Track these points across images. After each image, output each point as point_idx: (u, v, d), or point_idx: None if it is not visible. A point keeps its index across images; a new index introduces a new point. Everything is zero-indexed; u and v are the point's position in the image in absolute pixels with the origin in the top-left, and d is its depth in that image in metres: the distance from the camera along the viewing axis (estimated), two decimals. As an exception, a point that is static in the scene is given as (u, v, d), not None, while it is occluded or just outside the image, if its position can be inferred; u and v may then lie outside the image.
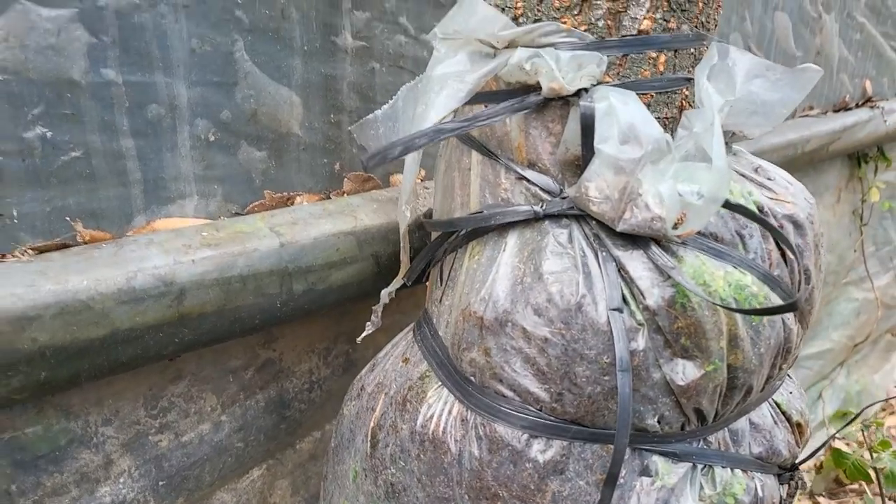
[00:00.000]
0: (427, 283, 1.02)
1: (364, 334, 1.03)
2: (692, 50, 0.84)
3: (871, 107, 2.49)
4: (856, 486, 2.31)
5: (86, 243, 0.88)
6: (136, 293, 0.83)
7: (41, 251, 0.84)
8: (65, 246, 0.86)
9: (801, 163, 2.17)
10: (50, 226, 0.87)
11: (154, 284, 0.84)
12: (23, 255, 0.83)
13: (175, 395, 1.01)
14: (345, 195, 1.15)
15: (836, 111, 2.45)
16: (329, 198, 1.13)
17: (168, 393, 1.01)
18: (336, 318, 1.19)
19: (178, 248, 0.88)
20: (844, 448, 2.40)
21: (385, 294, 0.99)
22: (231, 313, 0.92)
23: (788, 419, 0.92)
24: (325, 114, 1.10)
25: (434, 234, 0.98)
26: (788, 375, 0.99)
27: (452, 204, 0.92)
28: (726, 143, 0.91)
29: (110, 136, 0.89)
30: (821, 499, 2.36)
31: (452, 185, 0.92)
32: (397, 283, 0.99)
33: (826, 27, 2.26)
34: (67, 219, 0.87)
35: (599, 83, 0.79)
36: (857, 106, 2.53)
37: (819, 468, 2.40)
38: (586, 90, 0.78)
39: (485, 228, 0.85)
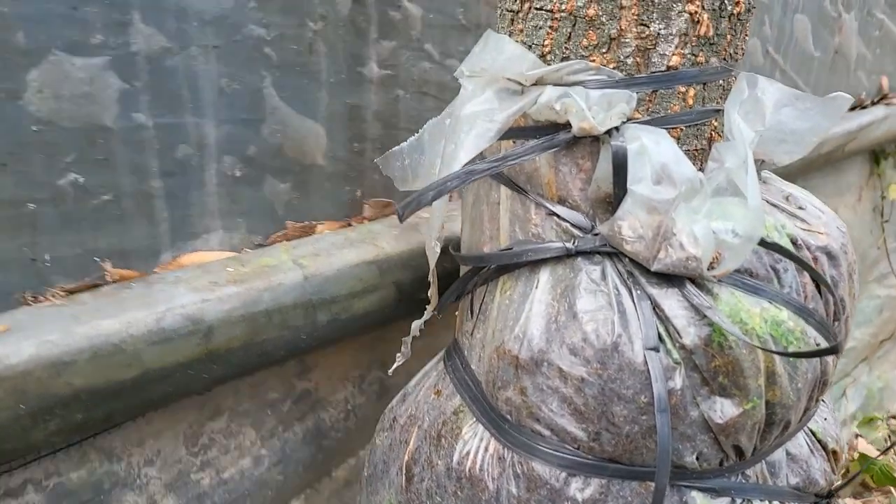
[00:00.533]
0: (457, 313, 1.02)
1: (395, 365, 1.03)
2: (720, 81, 0.83)
3: (887, 104, 2.47)
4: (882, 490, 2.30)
5: (115, 283, 0.89)
6: (166, 333, 0.84)
7: (73, 292, 0.85)
8: (95, 286, 0.87)
9: (818, 164, 2.16)
10: (81, 266, 0.88)
11: (183, 324, 0.85)
12: (55, 297, 0.84)
13: (215, 432, 1.02)
14: (365, 221, 1.15)
15: (851, 109, 2.43)
16: (350, 224, 1.13)
17: (208, 429, 1.01)
18: (368, 344, 1.19)
19: (205, 286, 0.88)
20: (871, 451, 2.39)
21: (416, 327, 0.99)
22: (258, 347, 0.93)
23: (824, 447, 0.92)
24: (348, 143, 1.10)
25: (463, 267, 0.98)
26: (822, 400, 0.99)
27: (482, 237, 0.92)
28: (756, 171, 0.90)
29: (140, 178, 0.89)
30: (847, 500, 2.35)
31: (481, 219, 0.92)
32: (428, 315, 0.99)
33: (845, 26, 2.24)
34: (97, 259, 0.88)
35: (629, 119, 0.79)
36: (873, 103, 2.50)
37: (845, 472, 2.39)
38: (617, 128, 0.77)
39: (516, 263, 0.85)
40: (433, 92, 1.19)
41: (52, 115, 0.81)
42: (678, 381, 0.76)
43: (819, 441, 0.92)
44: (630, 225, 0.76)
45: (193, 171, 0.94)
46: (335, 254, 1.00)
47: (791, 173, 2.01)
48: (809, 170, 2.12)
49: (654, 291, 0.77)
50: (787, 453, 0.88)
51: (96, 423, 0.84)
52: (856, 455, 2.41)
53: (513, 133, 0.82)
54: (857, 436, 2.64)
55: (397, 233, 1.10)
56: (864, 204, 2.63)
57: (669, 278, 0.77)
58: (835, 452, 0.93)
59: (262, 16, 0.95)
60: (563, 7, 0.79)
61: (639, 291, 0.78)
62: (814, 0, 2.03)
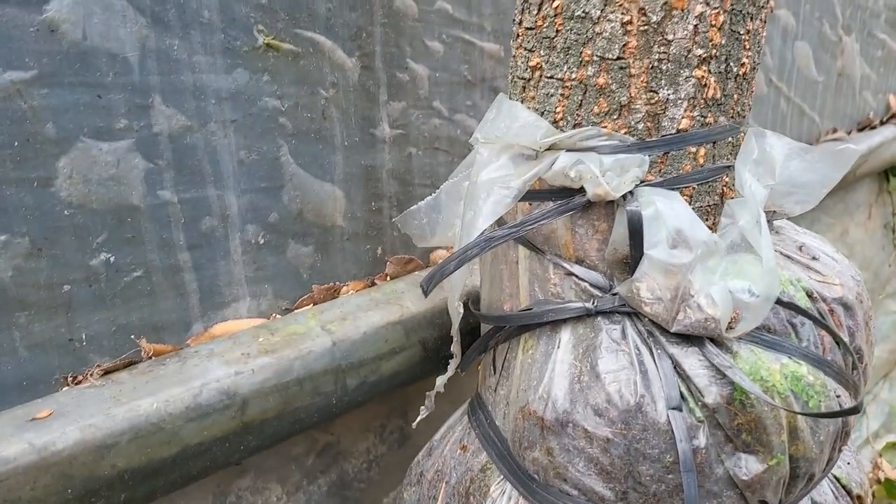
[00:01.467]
0: (479, 367, 1.04)
1: (419, 418, 1.05)
2: (730, 138, 0.85)
3: (897, 124, 2.48)
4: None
5: (151, 359, 0.91)
6: (203, 409, 0.86)
7: (110, 371, 0.88)
8: (132, 363, 0.89)
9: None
10: (116, 343, 0.90)
11: (218, 398, 0.87)
12: (94, 377, 0.86)
13: (242, 490, 1.04)
14: (388, 278, 1.18)
15: (860, 130, 2.44)
16: (374, 283, 1.16)
17: (235, 488, 1.03)
18: (387, 393, 1.21)
19: (237, 358, 0.91)
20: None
21: (440, 383, 1.00)
22: (291, 415, 0.95)
23: (849, 492, 0.93)
24: (366, 202, 1.13)
25: (484, 325, 1.00)
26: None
27: (501, 295, 0.94)
28: (768, 221, 0.92)
29: (168, 253, 0.92)
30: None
31: (500, 277, 0.94)
32: (451, 371, 1.01)
33: (847, 49, 2.26)
34: (133, 337, 0.91)
35: (643, 182, 0.81)
36: (882, 123, 2.52)
37: (872, 497, 2.37)
38: (631, 192, 0.79)
39: (537, 323, 0.87)
40: (444, 147, 1.22)
41: (82, 199, 0.84)
42: (702, 440, 0.77)
43: (843, 486, 0.93)
44: (648, 287, 0.78)
45: (218, 241, 0.97)
46: (361, 316, 1.02)
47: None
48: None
49: (675, 350, 0.79)
50: (813, 502, 0.89)
51: (138, 501, 0.85)
52: (881, 476, 2.38)
53: (530, 196, 0.84)
54: (879, 455, 2.62)
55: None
56: (874, 221, 2.64)
57: (689, 337, 0.79)
58: (859, 497, 0.93)
59: (276, 88, 0.98)
60: (574, 76, 0.81)
61: (659, 351, 0.79)
62: (813, 26, 2.06)
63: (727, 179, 0.87)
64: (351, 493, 1.19)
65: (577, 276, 0.84)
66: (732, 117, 0.84)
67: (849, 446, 1.00)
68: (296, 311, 1.06)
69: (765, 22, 0.85)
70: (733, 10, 0.79)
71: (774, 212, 0.93)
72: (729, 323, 0.77)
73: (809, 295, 0.87)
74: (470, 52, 1.21)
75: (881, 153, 2.35)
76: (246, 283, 1.01)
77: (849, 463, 0.95)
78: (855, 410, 0.75)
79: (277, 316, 1.04)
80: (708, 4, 0.77)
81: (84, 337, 0.87)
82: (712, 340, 0.79)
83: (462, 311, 0.92)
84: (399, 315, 1.06)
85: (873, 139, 2.33)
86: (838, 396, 0.82)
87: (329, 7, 1.01)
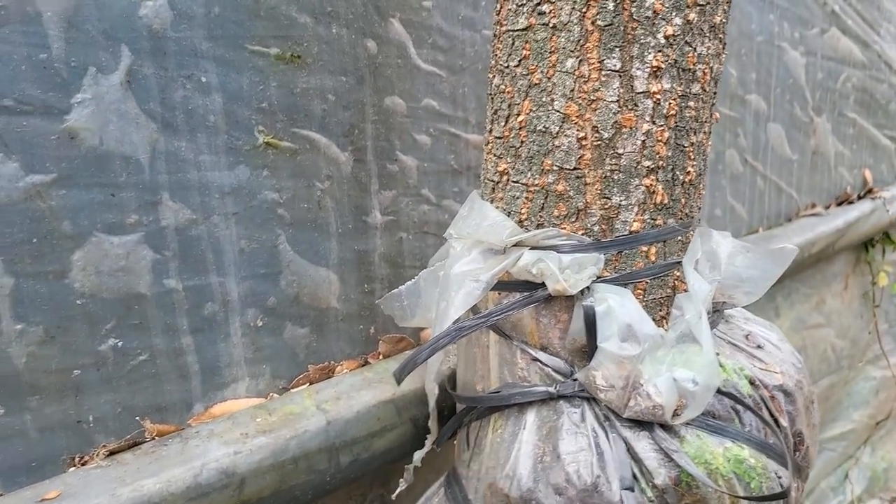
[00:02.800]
0: (455, 442, 1.09)
1: (398, 490, 1.09)
2: (679, 237, 0.93)
3: (873, 198, 2.58)
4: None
5: (154, 438, 0.96)
6: (203, 488, 0.90)
7: (115, 452, 0.92)
8: (136, 444, 0.94)
9: (809, 262, 2.24)
10: (121, 424, 0.95)
11: (218, 478, 0.91)
12: (99, 458, 0.91)
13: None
14: (381, 357, 1.23)
15: (838, 204, 2.54)
16: (367, 362, 1.21)
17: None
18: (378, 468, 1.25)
19: (236, 438, 0.95)
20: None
21: (417, 458, 1.07)
22: (286, 493, 0.99)
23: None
24: (359, 285, 1.20)
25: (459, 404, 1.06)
26: None
27: (474, 376, 1.01)
28: (719, 311, 1.01)
29: (172, 337, 0.98)
30: None
31: (474, 359, 1.01)
32: (428, 447, 1.07)
33: (819, 128, 2.37)
34: (137, 418, 0.96)
35: (599, 278, 0.88)
36: (860, 197, 2.61)
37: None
38: (588, 288, 0.87)
39: (506, 405, 0.93)
40: (433, 231, 1.29)
41: (94, 289, 0.90)
42: None
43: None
44: (603, 375, 0.85)
45: (220, 325, 1.03)
46: (355, 396, 1.07)
47: (785, 274, 2.09)
48: (802, 268, 2.20)
49: (628, 434, 0.86)
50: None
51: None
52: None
53: (499, 286, 0.93)
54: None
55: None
56: (851, 291, 2.71)
57: (641, 422, 0.86)
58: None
59: (275, 182, 1.06)
60: (537, 182, 0.90)
61: (614, 434, 0.86)
62: (784, 109, 2.17)
63: (678, 274, 0.95)
64: (343, 567, 1.21)
65: (541, 362, 0.92)
66: (681, 219, 0.93)
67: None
68: (292, 390, 1.11)
69: (709, 133, 0.95)
70: (677, 126, 0.88)
71: (724, 302, 1.01)
72: (675, 410, 0.84)
73: (752, 382, 0.94)
74: (456, 143, 1.30)
75: (859, 227, 2.44)
76: (245, 364, 1.06)
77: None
78: (783, 495, 0.83)
79: (275, 395, 1.09)
80: (654, 123, 0.87)
81: (91, 418, 0.92)
82: (661, 425, 0.86)
83: (437, 391, 0.99)
84: (391, 394, 1.11)
85: (850, 214, 2.41)
86: (780, 478, 0.88)
87: (324, 107, 1.10)
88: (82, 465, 0.91)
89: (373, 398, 1.09)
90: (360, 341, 1.21)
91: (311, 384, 1.12)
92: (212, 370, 1.03)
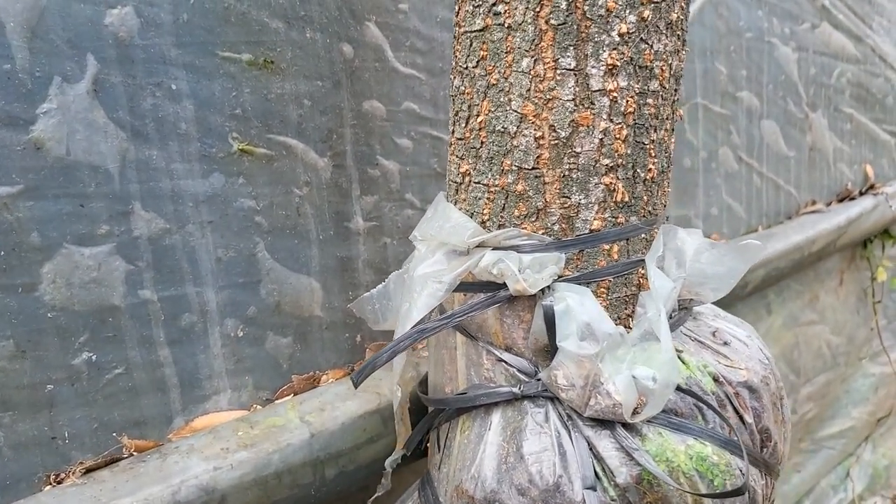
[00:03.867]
0: (427, 445, 1.06)
1: (375, 496, 1.08)
2: (644, 235, 0.92)
3: (875, 194, 2.54)
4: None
5: (132, 455, 0.93)
6: (182, 506, 0.88)
7: (91, 470, 0.90)
8: (113, 461, 0.92)
9: (810, 261, 2.20)
10: (97, 440, 0.93)
11: (197, 495, 0.89)
12: (75, 476, 0.88)
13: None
14: (369, 365, 1.21)
15: (840, 201, 2.50)
16: (353, 370, 1.19)
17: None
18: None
19: (216, 453, 0.93)
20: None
21: (389, 464, 1.05)
22: (270, 508, 0.96)
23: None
24: (343, 292, 1.18)
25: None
26: None
27: (443, 378, 1.00)
28: (686, 308, 1.00)
29: (149, 350, 0.96)
30: None
31: (442, 361, 1.00)
32: (399, 452, 1.06)
33: (815, 124, 2.35)
34: (114, 434, 0.93)
35: (561, 277, 0.87)
36: (861, 193, 2.58)
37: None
38: (550, 287, 0.86)
39: (473, 405, 0.92)
40: (419, 236, 1.27)
41: (65, 302, 0.89)
42: None
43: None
44: (564, 374, 0.84)
45: (198, 336, 1.01)
46: (339, 406, 1.05)
47: (784, 274, 2.07)
48: (798, 269, 2.17)
49: (590, 433, 0.84)
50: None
51: None
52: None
53: (463, 287, 0.91)
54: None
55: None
56: (846, 287, 2.67)
57: (603, 421, 0.85)
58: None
59: (251, 189, 1.04)
60: (497, 182, 0.90)
61: (576, 433, 0.85)
62: (777, 105, 2.15)
63: (643, 272, 0.93)
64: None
65: (506, 363, 0.91)
66: (644, 217, 0.91)
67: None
68: (276, 401, 1.09)
69: (671, 131, 0.93)
70: (636, 124, 0.87)
71: (692, 299, 0.99)
72: (635, 408, 0.83)
73: (715, 379, 0.92)
74: (438, 146, 1.29)
75: (860, 224, 2.40)
76: (226, 376, 1.04)
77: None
78: (739, 491, 0.81)
79: (258, 407, 1.07)
80: (612, 121, 0.85)
81: (66, 435, 0.90)
82: (623, 424, 0.84)
83: (400, 395, 0.98)
84: (377, 404, 1.08)
85: (852, 210, 2.38)
86: (744, 474, 0.86)
87: (300, 113, 1.09)
88: (58, 483, 0.89)
89: (358, 408, 1.06)
90: (346, 350, 1.19)
91: (295, 395, 1.10)
92: (191, 383, 1.01)
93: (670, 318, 0.93)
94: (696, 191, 1.91)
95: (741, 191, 2.07)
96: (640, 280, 0.93)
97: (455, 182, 0.95)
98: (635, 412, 0.83)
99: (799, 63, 2.21)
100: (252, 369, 1.07)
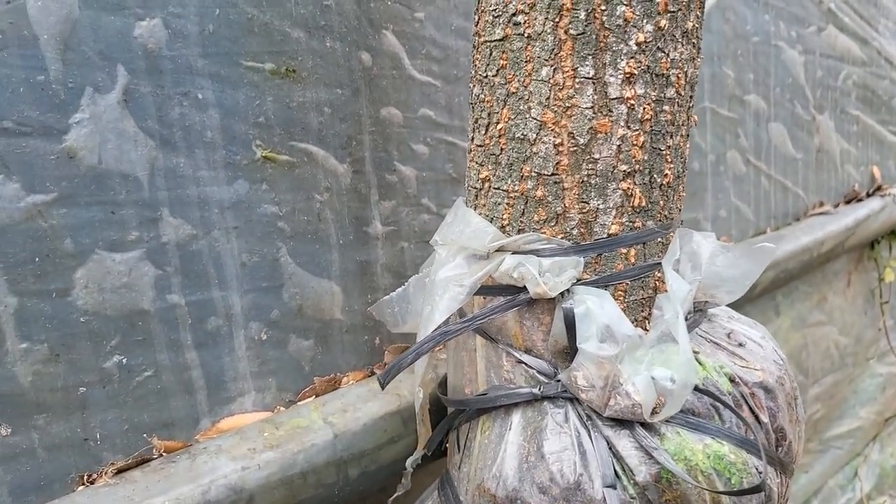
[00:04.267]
0: (447, 446, 1.09)
1: (395, 495, 1.10)
2: (659, 239, 0.94)
3: (883, 195, 2.56)
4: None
5: (162, 455, 0.96)
6: (211, 504, 0.90)
7: (123, 470, 0.92)
8: (144, 461, 0.94)
9: (819, 262, 2.22)
10: (128, 441, 0.95)
11: (226, 494, 0.91)
12: (108, 476, 0.91)
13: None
14: (386, 367, 1.23)
15: (847, 202, 2.52)
16: (373, 372, 1.21)
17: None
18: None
19: (244, 454, 0.95)
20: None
21: (410, 463, 1.08)
22: (295, 507, 0.99)
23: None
24: (363, 295, 1.20)
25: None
26: None
27: (463, 379, 1.02)
28: (702, 310, 1.02)
29: (177, 353, 0.98)
30: None
31: (462, 363, 1.02)
32: (419, 452, 1.08)
33: (822, 126, 2.37)
34: (145, 435, 0.96)
35: (579, 280, 0.89)
36: (868, 195, 2.60)
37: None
38: (568, 290, 0.88)
39: (493, 406, 0.94)
40: (436, 240, 1.30)
41: (97, 306, 0.91)
42: None
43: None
44: (584, 376, 0.86)
45: (224, 339, 1.03)
46: (361, 408, 1.07)
47: (793, 275, 2.09)
48: (811, 268, 2.19)
49: (609, 433, 0.86)
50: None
51: None
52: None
53: (483, 291, 0.93)
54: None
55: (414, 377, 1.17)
56: (854, 287, 2.68)
57: (622, 421, 0.87)
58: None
59: (274, 195, 1.07)
60: (516, 188, 0.92)
61: (596, 433, 0.87)
62: (785, 108, 2.17)
63: (659, 275, 0.95)
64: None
65: (526, 364, 0.93)
66: (660, 221, 0.93)
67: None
68: (299, 402, 1.11)
69: (686, 136, 0.95)
70: (653, 130, 0.89)
71: (707, 301, 1.01)
72: (654, 408, 0.85)
73: (732, 380, 0.94)
74: (453, 151, 1.31)
75: (868, 225, 2.42)
76: (251, 378, 1.07)
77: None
78: (759, 489, 0.82)
79: (281, 408, 1.09)
80: (629, 127, 0.87)
81: (98, 436, 0.93)
82: (642, 424, 0.86)
83: (422, 396, 1.01)
84: (397, 405, 1.11)
85: (860, 212, 2.39)
86: (760, 473, 0.88)
87: (321, 120, 1.11)
88: (90, 483, 0.91)
89: (379, 409, 1.09)
90: (365, 352, 1.21)
91: (317, 396, 1.12)
92: (217, 385, 1.03)
93: (686, 319, 0.95)
94: (705, 194, 1.93)
95: (749, 193, 2.09)
96: (657, 283, 0.95)
97: (475, 188, 0.97)
98: (654, 412, 0.85)
99: (805, 66, 2.23)
100: (275, 371, 1.09)
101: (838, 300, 2.57)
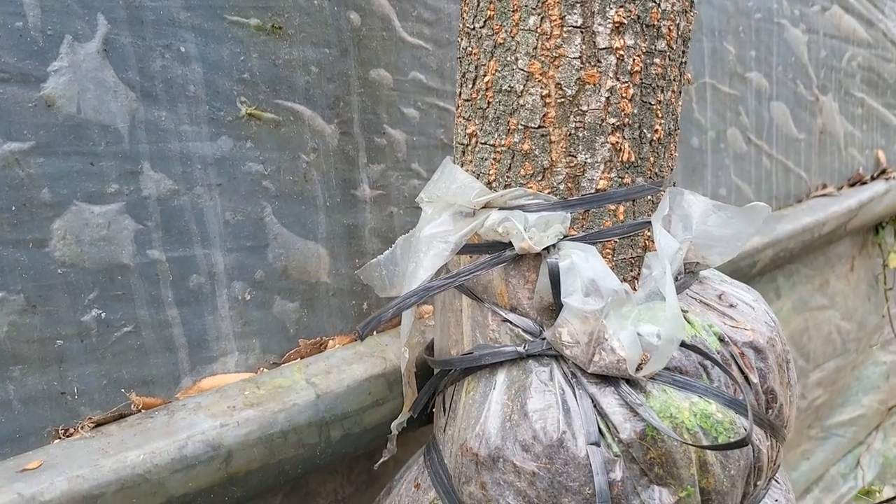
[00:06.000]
0: (433, 410, 1.07)
1: (381, 460, 1.09)
2: (650, 196, 0.92)
3: (887, 178, 2.53)
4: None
5: (140, 411, 0.95)
6: (188, 460, 0.89)
7: (100, 424, 0.91)
8: (121, 416, 0.93)
9: (820, 244, 2.19)
10: (107, 397, 0.94)
11: (204, 450, 0.90)
12: (84, 430, 0.90)
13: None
14: (374, 332, 1.21)
15: (851, 185, 2.49)
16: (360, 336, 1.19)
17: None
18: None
19: (223, 411, 0.94)
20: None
21: (395, 426, 1.06)
22: (275, 467, 0.97)
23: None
24: (350, 259, 1.18)
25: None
26: (776, 481, 1.02)
27: (449, 341, 1.00)
28: (692, 272, 1.00)
29: (157, 309, 0.97)
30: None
31: (448, 324, 1.00)
32: (405, 415, 1.07)
33: (826, 107, 2.34)
34: (123, 391, 0.95)
35: (566, 237, 0.87)
36: (873, 178, 2.57)
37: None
38: (555, 245, 0.87)
39: (478, 366, 0.93)
40: (426, 206, 1.28)
41: (74, 259, 0.90)
42: (618, 473, 0.82)
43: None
44: (568, 332, 0.85)
45: (206, 298, 1.02)
46: (345, 370, 1.06)
47: (794, 255, 2.06)
48: (807, 251, 2.16)
49: (594, 390, 0.85)
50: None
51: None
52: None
53: (468, 249, 0.92)
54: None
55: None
56: (857, 273, 2.65)
57: (607, 378, 0.85)
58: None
59: (259, 153, 1.05)
60: (503, 142, 0.90)
61: (580, 390, 0.85)
62: (787, 87, 2.14)
63: (649, 234, 0.93)
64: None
65: (511, 323, 0.91)
66: (650, 178, 0.91)
67: (781, 483, 1.02)
68: (283, 365, 1.09)
69: (678, 93, 0.94)
70: (643, 83, 0.87)
71: (697, 263, 0.99)
72: (639, 364, 0.83)
73: (721, 339, 0.93)
74: (445, 117, 1.29)
75: (872, 207, 2.39)
76: (234, 338, 1.05)
77: (777, 500, 0.97)
78: (741, 443, 0.81)
79: (265, 370, 1.08)
80: (618, 79, 0.86)
81: (76, 390, 0.91)
82: (627, 381, 0.85)
83: (408, 356, 0.99)
84: (382, 368, 1.09)
85: (863, 194, 2.36)
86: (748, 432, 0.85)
87: (307, 79, 1.10)
88: (67, 436, 0.90)
89: (364, 372, 1.07)
90: (352, 317, 1.20)
91: (302, 359, 1.11)
92: (199, 343, 1.02)
93: (676, 279, 0.94)
94: (705, 171, 1.91)
95: (750, 172, 2.06)
96: (646, 243, 0.93)
97: (462, 144, 0.96)
98: (639, 368, 0.83)
99: (809, 45, 2.20)
100: (259, 332, 1.08)
101: (841, 285, 2.54)
